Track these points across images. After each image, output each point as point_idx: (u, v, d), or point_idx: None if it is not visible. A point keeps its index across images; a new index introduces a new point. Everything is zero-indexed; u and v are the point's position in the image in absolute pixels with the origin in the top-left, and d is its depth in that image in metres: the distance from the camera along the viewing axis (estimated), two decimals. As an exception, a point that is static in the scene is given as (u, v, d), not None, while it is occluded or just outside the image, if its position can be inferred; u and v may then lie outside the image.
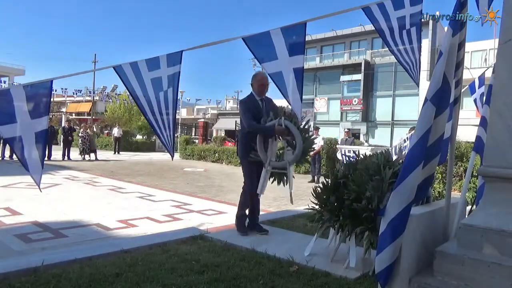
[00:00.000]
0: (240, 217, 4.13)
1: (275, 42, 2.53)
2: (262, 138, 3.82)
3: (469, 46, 24.03)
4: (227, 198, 7.54)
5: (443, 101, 2.17)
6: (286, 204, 6.32)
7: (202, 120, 26.44)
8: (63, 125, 21.55)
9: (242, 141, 4.14)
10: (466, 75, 3.17)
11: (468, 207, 3.11)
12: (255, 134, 3.89)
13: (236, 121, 25.83)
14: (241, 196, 4.19)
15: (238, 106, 4.22)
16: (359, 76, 32.32)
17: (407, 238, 2.03)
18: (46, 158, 2.80)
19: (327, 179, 3.31)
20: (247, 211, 4.17)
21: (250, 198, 4.11)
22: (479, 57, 27.29)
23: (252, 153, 3.92)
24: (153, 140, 25.67)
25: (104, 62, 56.40)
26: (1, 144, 14.28)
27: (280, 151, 4.01)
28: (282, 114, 3.85)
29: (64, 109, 47.37)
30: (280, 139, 3.91)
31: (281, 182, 3.94)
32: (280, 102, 4.27)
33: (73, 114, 47.29)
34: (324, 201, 3.17)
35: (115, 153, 20.19)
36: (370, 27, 27.29)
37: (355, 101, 32.37)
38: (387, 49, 3.03)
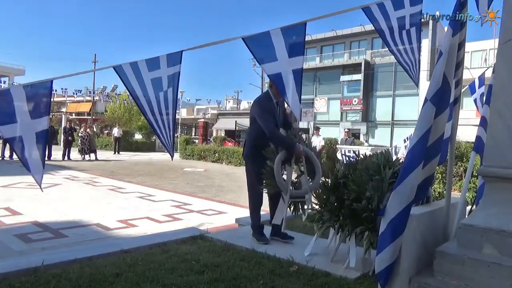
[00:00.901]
0: (256, 226, 3.82)
1: (275, 43, 2.53)
2: (280, 163, 3.37)
3: (469, 46, 24.03)
4: (227, 198, 7.55)
5: (443, 101, 2.17)
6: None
7: (202, 120, 26.45)
8: (63, 125, 21.56)
9: (251, 142, 3.82)
10: (466, 75, 3.17)
11: (468, 207, 3.11)
12: (265, 137, 3.58)
13: (236, 121, 25.83)
14: (249, 203, 3.90)
15: (252, 105, 3.83)
16: (359, 76, 32.32)
17: (407, 238, 2.03)
18: (46, 158, 2.80)
19: (327, 179, 3.31)
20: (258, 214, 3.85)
21: (270, 202, 3.83)
22: (479, 57, 27.29)
23: (266, 182, 3.51)
24: (153, 140, 25.66)
25: (104, 62, 56.47)
26: (1, 144, 14.28)
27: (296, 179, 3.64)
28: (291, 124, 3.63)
29: (64, 109, 47.36)
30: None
31: (298, 210, 3.63)
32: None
33: (73, 114, 47.29)
34: (324, 201, 3.17)
35: (115, 153, 20.18)
36: (370, 27, 27.29)
37: (355, 101, 32.36)
38: (387, 49, 3.03)
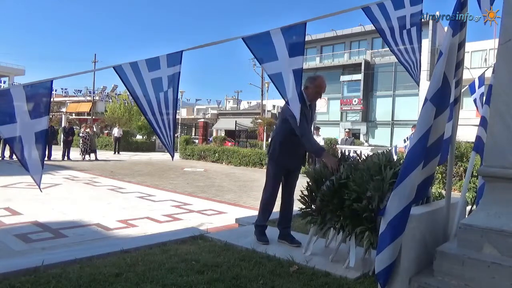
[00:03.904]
0: (259, 225, 3.82)
1: (275, 42, 2.53)
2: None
3: (469, 46, 24.02)
4: (227, 198, 7.55)
5: (443, 101, 2.17)
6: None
7: (202, 120, 26.42)
8: (63, 125, 21.57)
9: (276, 142, 3.77)
10: (466, 75, 3.17)
11: (468, 207, 3.11)
12: (292, 139, 3.59)
13: (236, 121, 25.80)
14: (261, 201, 3.87)
15: (284, 105, 3.66)
16: (359, 76, 32.33)
17: (407, 238, 2.03)
18: (46, 158, 2.80)
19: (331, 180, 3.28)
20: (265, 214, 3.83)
21: (282, 205, 3.87)
22: (479, 57, 27.28)
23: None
24: (153, 140, 25.66)
25: (104, 62, 56.41)
26: (1, 144, 14.28)
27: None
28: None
29: (64, 109, 47.39)
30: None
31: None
32: (279, 102, 4.21)
33: (73, 114, 47.31)
34: (327, 202, 3.15)
35: (115, 153, 20.19)
36: (370, 27, 27.32)
37: (355, 101, 32.37)
38: (387, 49, 3.05)
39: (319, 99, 3.86)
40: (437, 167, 2.50)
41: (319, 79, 3.73)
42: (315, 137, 12.62)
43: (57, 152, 15.88)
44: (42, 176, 2.52)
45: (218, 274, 2.86)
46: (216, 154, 16.96)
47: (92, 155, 16.14)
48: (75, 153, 16.43)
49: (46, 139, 2.66)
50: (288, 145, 3.69)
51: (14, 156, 12.71)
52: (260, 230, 3.81)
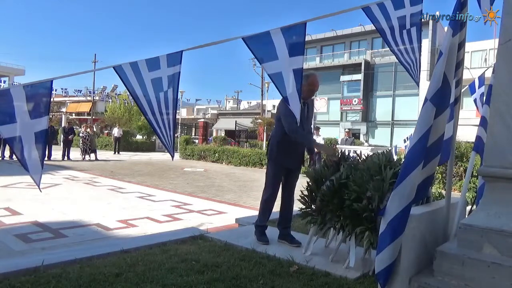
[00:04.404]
0: (259, 226, 3.83)
1: (275, 42, 2.52)
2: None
3: (469, 46, 24.02)
4: (227, 198, 7.54)
5: (443, 101, 2.17)
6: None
7: (202, 120, 26.42)
8: (63, 125, 21.58)
9: (273, 142, 3.80)
10: (466, 75, 3.17)
11: (468, 207, 3.11)
12: (291, 140, 3.62)
13: (236, 121, 25.82)
14: (261, 201, 3.88)
15: (279, 104, 3.79)
16: (359, 76, 32.33)
17: (407, 238, 2.03)
18: (46, 158, 2.80)
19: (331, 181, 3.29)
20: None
21: (282, 205, 3.89)
22: (479, 57, 27.28)
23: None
24: (153, 140, 25.66)
25: (104, 62, 56.37)
26: (1, 144, 14.28)
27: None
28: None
29: (64, 109, 47.40)
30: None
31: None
32: (279, 101, 4.21)
33: (73, 114, 47.31)
34: (327, 202, 3.15)
35: (115, 153, 20.19)
36: (370, 27, 27.34)
37: (355, 101, 32.38)
38: (387, 49, 3.05)
39: (317, 99, 3.89)
40: (437, 167, 2.50)
41: (312, 77, 3.78)
42: (315, 137, 12.67)
43: (57, 152, 15.88)
44: (42, 176, 2.52)
45: (218, 274, 2.86)
46: (216, 154, 16.96)
47: (92, 155, 16.14)
48: (75, 153, 16.43)
49: (46, 139, 2.66)
50: (285, 144, 3.70)
51: (14, 156, 12.72)
52: (260, 230, 3.81)
